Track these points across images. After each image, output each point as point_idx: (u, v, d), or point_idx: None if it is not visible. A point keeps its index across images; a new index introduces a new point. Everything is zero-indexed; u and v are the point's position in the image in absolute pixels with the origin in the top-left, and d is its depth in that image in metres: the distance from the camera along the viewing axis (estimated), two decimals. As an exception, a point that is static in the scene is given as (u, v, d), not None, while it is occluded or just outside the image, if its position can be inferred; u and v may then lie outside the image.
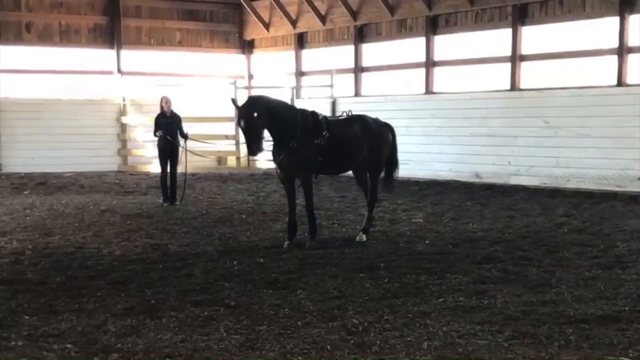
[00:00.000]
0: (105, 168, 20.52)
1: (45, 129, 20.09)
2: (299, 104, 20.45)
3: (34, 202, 14.04)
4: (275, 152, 9.30)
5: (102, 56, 21.84)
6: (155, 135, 13.63)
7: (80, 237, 10.12)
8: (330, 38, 21.19)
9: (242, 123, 8.87)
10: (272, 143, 9.33)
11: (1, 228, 10.81)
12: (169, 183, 13.67)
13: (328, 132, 9.38)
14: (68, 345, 5.35)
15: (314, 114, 9.53)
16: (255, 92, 21.28)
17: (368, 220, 10.13)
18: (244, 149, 20.60)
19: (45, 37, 20.90)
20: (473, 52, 17.54)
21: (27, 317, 6.06)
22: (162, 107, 13.82)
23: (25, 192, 15.70)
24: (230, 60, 23.99)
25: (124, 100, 21.30)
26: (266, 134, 9.10)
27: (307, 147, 9.19)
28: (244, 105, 9.00)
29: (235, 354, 5.24)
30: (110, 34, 21.70)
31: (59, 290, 7.01)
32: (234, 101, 9.61)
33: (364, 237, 9.79)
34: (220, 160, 21.74)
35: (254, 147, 8.82)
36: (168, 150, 13.65)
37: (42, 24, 20.83)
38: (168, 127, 13.54)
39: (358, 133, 9.78)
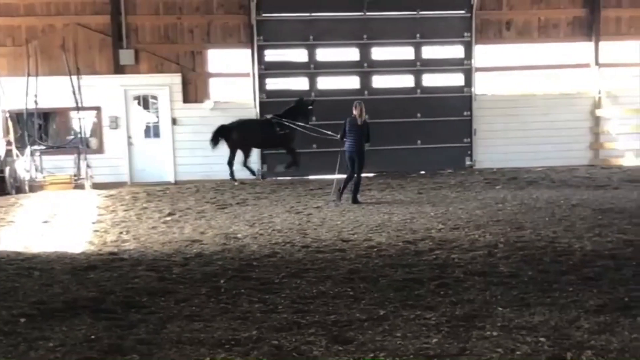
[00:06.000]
0: (575, 162, 20.37)
1: (520, 124, 20.56)
2: None
3: (505, 196, 14.26)
4: None
5: (579, 49, 21.58)
6: None
7: (551, 231, 10.11)
8: None
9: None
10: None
11: (475, 221, 11.21)
12: None
13: None
14: (541, 339, 5.39)
15: None
16: None
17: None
18: None
19: (524, 33, 21.44)
20: None
21: (500, 309, 6.23)
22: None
23: (497, 187, 16.14)
24: None
25: (599, 92, 20.88)
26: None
27: None
28: None
29: None
30: (588, 27, 21.34)
31: (530, 284, 7.10)
32: None
33: None
34: None
35: None
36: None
37: (521, 20, 21.38)
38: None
39: None
